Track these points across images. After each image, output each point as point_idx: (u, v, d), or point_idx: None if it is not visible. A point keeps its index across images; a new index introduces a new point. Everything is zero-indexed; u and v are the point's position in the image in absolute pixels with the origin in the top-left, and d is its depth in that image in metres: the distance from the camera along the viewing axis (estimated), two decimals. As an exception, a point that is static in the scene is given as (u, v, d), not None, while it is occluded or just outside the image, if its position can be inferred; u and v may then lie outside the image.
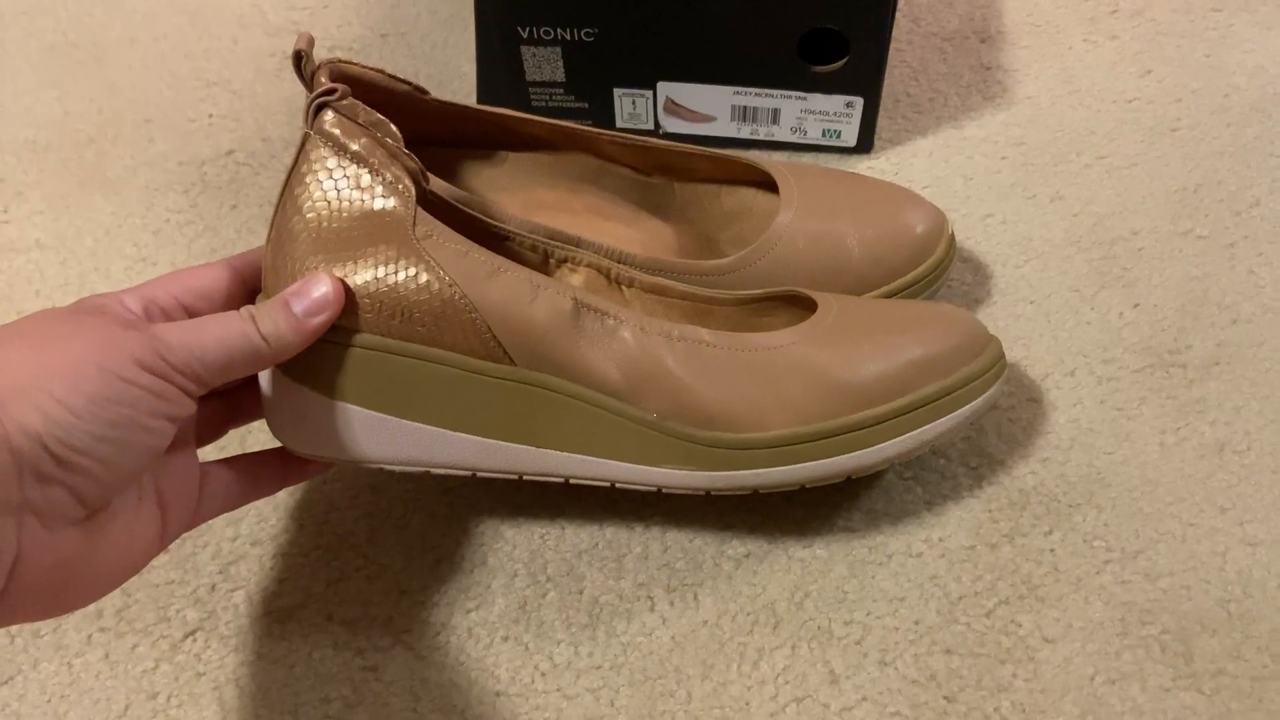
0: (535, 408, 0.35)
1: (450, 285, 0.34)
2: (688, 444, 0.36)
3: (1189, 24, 0.58)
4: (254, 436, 0.43)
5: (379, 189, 0.34)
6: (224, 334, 0.31)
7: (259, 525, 0.41)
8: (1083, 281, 0.47)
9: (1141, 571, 0.39)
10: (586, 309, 0.35)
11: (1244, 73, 0.55)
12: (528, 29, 0.50)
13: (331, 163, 0.34)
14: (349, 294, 0.34)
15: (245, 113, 0.56)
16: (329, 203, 0.34)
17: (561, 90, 0.52)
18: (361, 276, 0.34)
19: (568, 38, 0.50)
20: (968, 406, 0.38)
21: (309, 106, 0.34)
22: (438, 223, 0.34)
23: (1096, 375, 0.44)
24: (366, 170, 0.34)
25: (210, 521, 0.41)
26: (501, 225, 0.39)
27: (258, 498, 0.37)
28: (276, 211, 0.35)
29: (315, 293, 0.33)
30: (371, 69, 0.42)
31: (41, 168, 0.54)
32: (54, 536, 0.27)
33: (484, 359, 0.35)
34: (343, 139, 0.34)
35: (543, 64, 0.51)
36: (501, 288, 0.34)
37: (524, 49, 0.51)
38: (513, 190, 0.48)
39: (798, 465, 0.37)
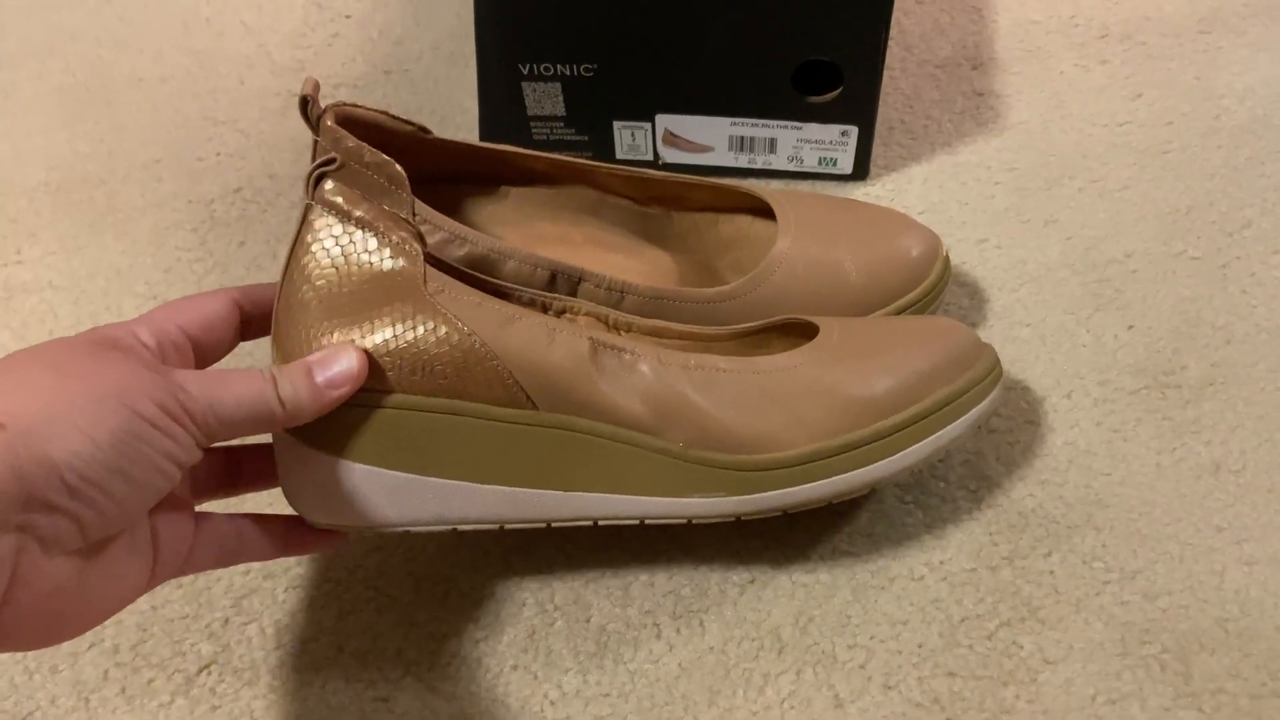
0: (561, 450, 0.36)
1: (469, 335, 0.34)
2: (716, 470, 0.37)
3: (1178, 47, 0.58)
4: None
5: (386, 250, 0.34)
6: (244, 391, 0.31)
7: (271, 560, 0.41)
8: (1077, 304, 0.48)
9: (1140, 591, 0.39)
10: (603, 347, 0.36)
11: (1234, 95, 0.56)
12: (528, 65, 0.51)
13: (337, 229, 0.34)
14: (376, 355, 0.34)
15: (252, 151, 0.57)
16: (337, 269, 0.34)
17: (562, 124, 0.53)
18: (379, 336, 0.34)
19: (567, 73, 0.51)
20: (976, 409, 0.39)
21: (309, 178, 0.34)
22: (448, 278, 0.35)
23: (1093, 397, 0.45)
24: (372, 234, 0.34)
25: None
26: (501, 282, 0.40)
27: (254, 560, 0.37)
28: (283, 282, 0.35)
29: (340, 365, 0.33)
30: (375, 110, 0.43)
31: (54, 209, 0.55)
32: (50, 563, 0.28)
33: (507, 406, 0.35)
34: (345, 206, 0.34)
35: (543, 99, 0.52)
36: (519, 334, 0.35)
37: (525, 85, 0.52)
38: (514, 223, 0.49)
39: (824, 481, 0.38)
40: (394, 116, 0.43)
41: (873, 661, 0.38)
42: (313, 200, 0.34)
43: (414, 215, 0.42)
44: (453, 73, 0.60)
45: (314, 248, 0.34)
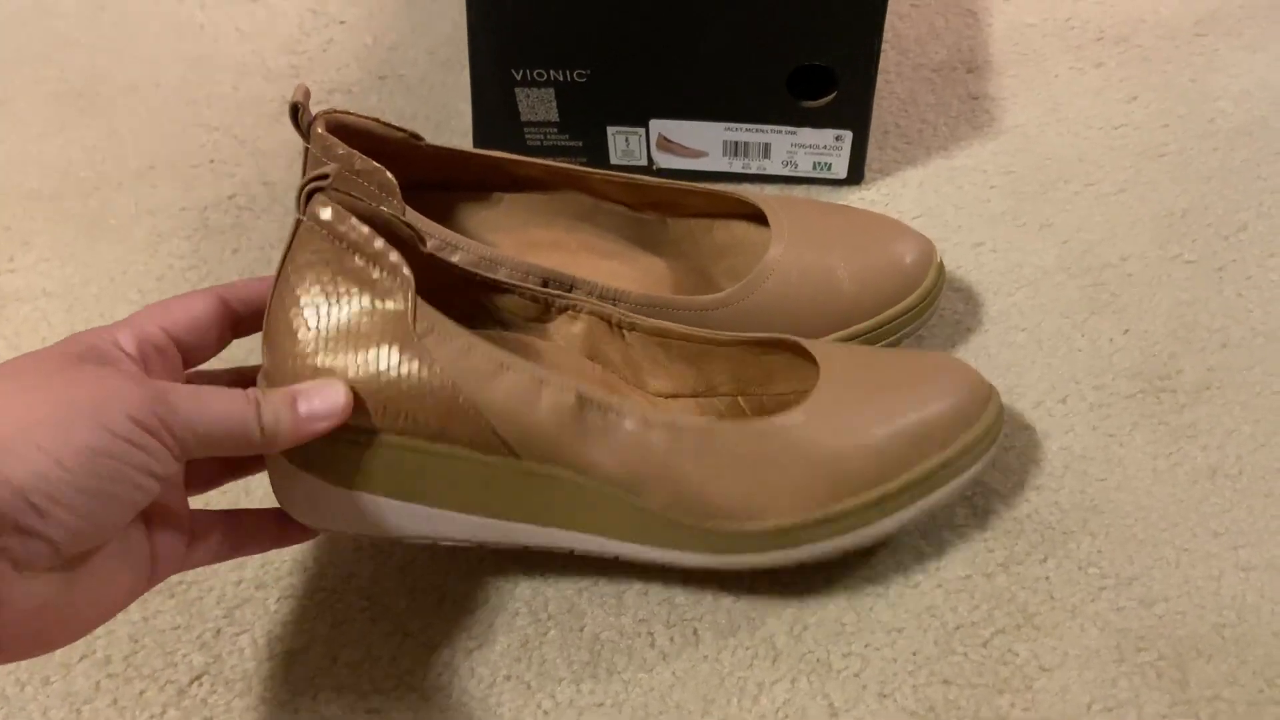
0: (540, 492, 0.36)
1: (455, 390, 0.34)
2: (690, 531, 0.37)
3: (1174, 49, 0.58)
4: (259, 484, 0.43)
5: (376, 277, 0.33)
6: (225, 412, 0.31)
7: (263, 569, 0.41)
8: (1073, 308, 0.48)
9: (1136, 598, 0.39)
10: (590, 403, 0.35)
11: (1229, 97, 0.56)
12: (521, 71, 0.51)
13: (328, 252, 0.33)
14: (361, 391, 0.33)
15: (246, 157, 0.57)
16: (326, 296, 0.33)
17: (556, 130, 0.53)
18: (365, 375, 0.33)
19: (561, 79, 0.51)
20: (967, 474, 0.39)
21: (301, 192, 0.34)
22: (438, 315, 0.34)
23: (1089, 402, 0.45)
24: (364, 259, 0.33)
25: (215, 565, 0.41)
26: (502, 280, 0.40)
27: (252, 553, 0.37)
28: (273, 296, 0.34)
29: (325, 400, 0.32)
30: (367, 118, 0.43)
31: (47, 216, 0.55)
32: (28, 582, 0.27)
33: (489, 453, 0.35)
34: (337, 224, 0.33)
35: (537, 105, 0.52)
36: (505, 388, 0.34)
37: (518, 90, 0.51)
38: (508, 230, 0.48)
39: (800, 548, 0.37)
40: (385, 124, 0.43)
41: (868, 670, 0.38)
42: (304, 216, 0.33)
43: (405, 222, 0.42)
44: (448, 78, 0.60)
45: (305, 271, 0.33)
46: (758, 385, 0.42)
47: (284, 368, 0.34)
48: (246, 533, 0.36)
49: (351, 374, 0.33)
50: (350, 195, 0.34)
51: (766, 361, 0.41)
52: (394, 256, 0.33)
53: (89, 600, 0.30)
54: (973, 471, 0.39)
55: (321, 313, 0.33)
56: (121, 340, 0.32)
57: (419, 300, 0.34)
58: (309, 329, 0.33)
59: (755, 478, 0.36)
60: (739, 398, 0.42)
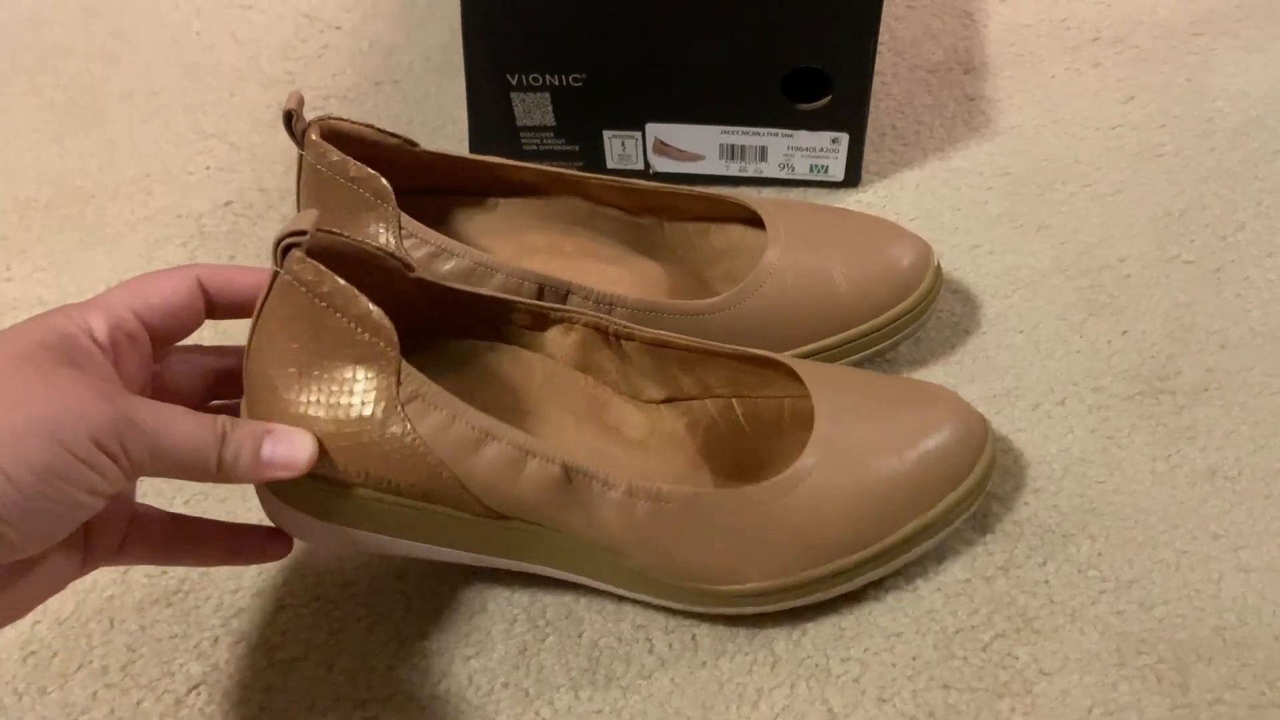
0: (526, 541, 0.36)
1: (438, 465, 0.33)
2: (670, 587, 0.37)
3: (1170, 49, 0.58)
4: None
5: (360, 339, 0.32)
6: (188, 437, 0.30)
7: (260, 577, 0.41)
8: (1071, 310, 0.48)
9: (1136, 601, 0.39)
10: (577, 473, 0.35)
11: (1226, 97, 0.56)
12: (517, 76, 0.50)
13: (309, 311, 0.32)
14: (341, 453, 0.33)
15: (242, 164, 0.57)
16: (309, 356, 0.32)
17: (552, 134, 0.53)
18: (345, 439, 0.33)
19: (556, 83, 0.51)
20: (949, 528, 0.39)
21: (277, 245, 0.31)
22: (423, 381, 0.33)
23: (1087, 404, 0.45)
24: (349, 320, 0.32)
25: (212, 574, 0.41)
26: (495, 295, 0.39)
27: (193, 565, 0.36)
28: (251, 344, 0.33)
29: (290, 450, 0.32)
30: (361, 124, 0.43)
31: (44, 225, 0.55)
32: None
33: (474, 514, 0.35)
34: (319, 286, 0.32)
35: (532, 109, 0.52)
36: (488, 460, 0.34)
37: (514, 95, 0.51)
38: (504, 235, 0.48)
39: (780, 604, 0.38)
40: (379, 130, 0.43)
41: (867, 675, 0.38)
42: (280, 269, 0.32)
43: (400, 230, 0.42)
44: (443, 83, 0.60)
45: (286, 323, 0.32)
46: (752, 390, 0.42)
47: (260, 415, 0.33)
48: (184, 541, 0.35)
49: (332, 436, 0.33)
50: (332, 233, 0.33)
51: (763, 382, 0.41)
52: (379, 318, 0.32)
53: (25, 592, 0.30)
54: (956, 526, 0.39)
55: (303, 372, 0.32)
56: (94, 327, 0.31)
57: (404, 364, 0.33)
58: (289, 387, 0.32)
59: (736, 547, 0.36)
60: (733, 400, 0.42)
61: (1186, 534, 0.41)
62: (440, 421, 0.33)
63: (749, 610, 0.38)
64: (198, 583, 0.41)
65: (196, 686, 0.39)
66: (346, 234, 0.33)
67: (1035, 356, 0.46)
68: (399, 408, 0.33)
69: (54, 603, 0.40)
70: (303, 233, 0.31)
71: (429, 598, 0.41)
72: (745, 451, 0.41)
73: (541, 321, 0.41)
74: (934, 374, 0.46)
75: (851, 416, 0.38)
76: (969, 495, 0.39)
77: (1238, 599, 0.39)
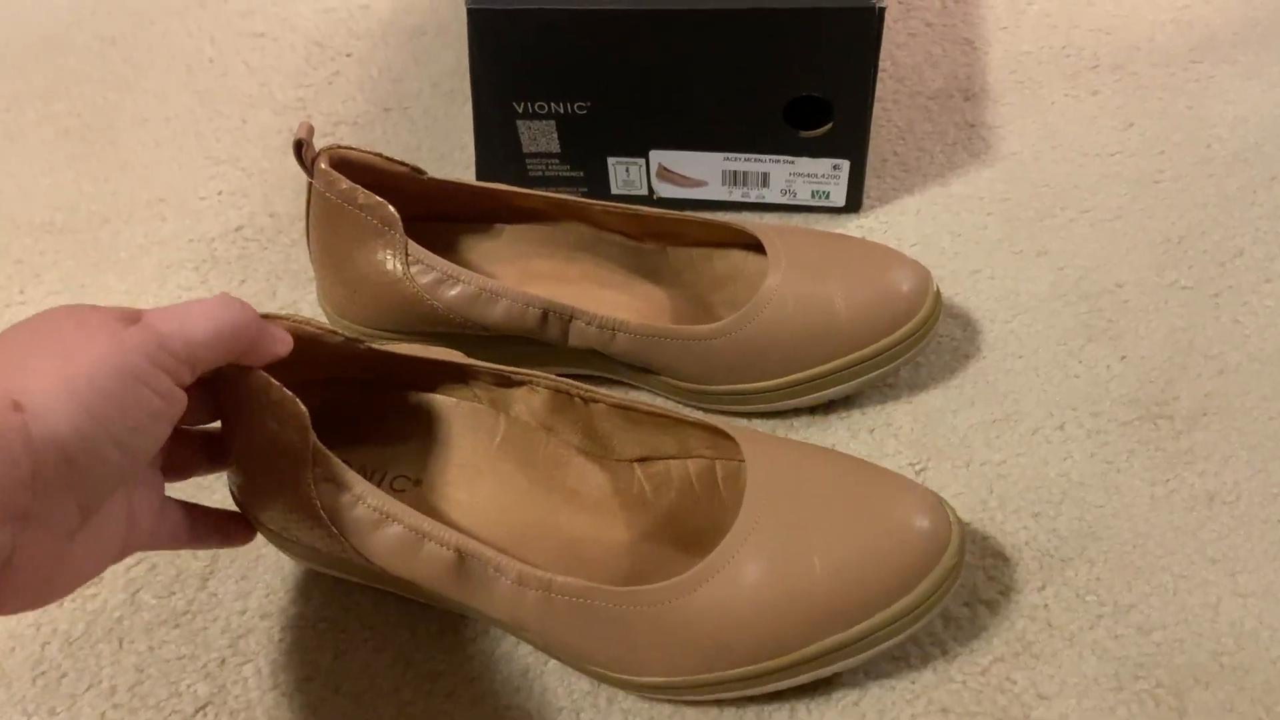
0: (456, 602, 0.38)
1: (342, 542, 0.35)
2: (574, 666, 0.39)
3: (1169, 76, 0.59)
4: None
5: (275, 420, 0.34)
6: (206, 308, 0.31)
7: (267, 598, 0.42)
8: (1070, 335, 0.48)
9: (1134, 625, 0.39)
10: (470, 558, 0.35)
11: (1225, 123, 0.56)
12: (523, 104, 0.51)
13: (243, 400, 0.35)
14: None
15: (254, 189, 0.58)
16: (250, 443, 0.35)
17: (557, 160, 0.54)
18: (275, 522, 0.36)
19: (562, 111, 0.51)
20: (879, 648, 0.36)
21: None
22: (332, 459, 0.35)
23: (1086, 429, 0.45)
24: (276, 421, 0.34)
25: (219, 595, 0.42)
26: (458, 359, 0.41)
27: (203, 546, 0.38)
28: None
29: (272, 344, 0.34)
30: (370, 153, 0.44)
31: (58, 249, 0.56)
32: (50, 546, 0.28)
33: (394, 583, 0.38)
34: (268, 393, 0.34)
35: (538, 136, 0.53)
36: (387, 543, 0.35)
37: (520, 123, 0.52)
38: (509, 261, 0.49)
39: (681, 697, 0.38)
40: (387, 158, 0.44)
41: (866, 699, 0.38)
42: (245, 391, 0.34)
43: (408, 256, 0.43)
44: (451, 110, 0.61)
45: (234, 414, 0.35)
46: (732, 453, 0.41)
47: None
48: (195, 526, 0.37)
49: (261, 508, 0.36)
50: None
51: (718, 453, 0.41)
52: (293, 406, 0.33)
53: (83, 559, 0.30)
54: (897, 640, 0.36)
55: (245, 450, 0.35)
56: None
57: (318, 446, 0.34)
58: (235, 470, 0.36)
59: (627, 644, 0.36)
60: (716, 462, 0.41)
61: (1184, 558, 0.41)
62: (346, 502, 0.35)
63: (660, 699, 0.38)
64: (205, 604, 0.42)
65: (204, 707, 0.39)
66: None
67: (1034, 381, 0.47)
68: (310, 489, 0.34)
69: (64, 623, 0.41)
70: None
71: (433, 621, 0.41)
72: (714, 519, 0.40)
73: (506, 382, 0.41)
74: (933, 398, 0.47)
75: (787, 507, 0.36)
76: (906, 613, 0.35)
77: (1235, 623, 0.39)
